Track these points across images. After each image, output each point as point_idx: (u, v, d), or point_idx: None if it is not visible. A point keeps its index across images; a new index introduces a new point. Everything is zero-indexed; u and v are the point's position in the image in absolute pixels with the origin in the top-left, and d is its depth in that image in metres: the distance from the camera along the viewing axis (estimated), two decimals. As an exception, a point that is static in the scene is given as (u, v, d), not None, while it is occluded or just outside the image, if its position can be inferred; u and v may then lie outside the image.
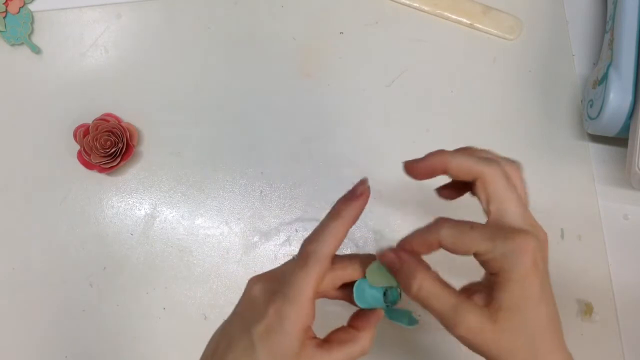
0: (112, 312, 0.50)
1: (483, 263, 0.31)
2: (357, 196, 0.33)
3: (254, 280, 0.34)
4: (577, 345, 0.48)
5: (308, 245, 0.33)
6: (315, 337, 0.34)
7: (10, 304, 0.51)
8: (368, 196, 0.33)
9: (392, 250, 0.33)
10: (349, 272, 0.35)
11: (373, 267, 0.34)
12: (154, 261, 0.51)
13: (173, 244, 0.51)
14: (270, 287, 0.33)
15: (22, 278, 0.51)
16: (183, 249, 0.51)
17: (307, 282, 0.32)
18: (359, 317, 0.35)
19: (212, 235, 0.51)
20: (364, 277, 0.35)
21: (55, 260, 0.51)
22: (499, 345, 0.30)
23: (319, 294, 0.35)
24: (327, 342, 0.34)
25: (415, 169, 0.35)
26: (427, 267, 0.33)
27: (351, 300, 0.36)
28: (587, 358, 0.48)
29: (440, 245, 0.32)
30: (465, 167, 0.33)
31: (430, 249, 0.33)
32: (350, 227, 0.33)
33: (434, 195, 0.51)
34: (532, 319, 0.31)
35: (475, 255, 0.31)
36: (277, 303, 0.32)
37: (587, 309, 0.48)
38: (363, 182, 0.34)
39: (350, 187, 0.34)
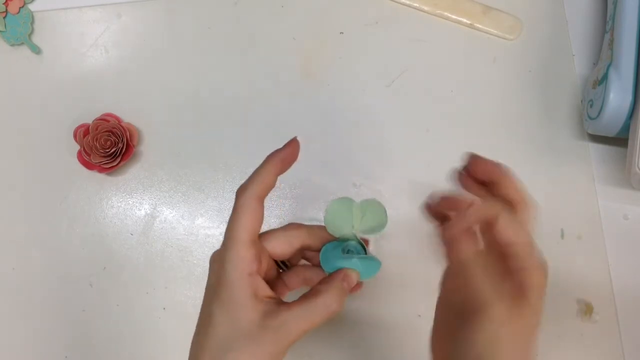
0: (112, 312, 0.50)
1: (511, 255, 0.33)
2: (286, 146, 0.35)
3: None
4: (577, 345, 0.48)
5: (237, 193, 0.34)
6: (279, 299, 0.34)
7: (10, 304, 0.51)
8: (297, 147, 0.35)
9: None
10: (302, 233, 0.36)
11: (332, 208, 0.35)
12: (154, 261, 0.51)
13: (173, 244, 0.51)
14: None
15: (22, 278, 0.51)
16: (183, 249, 0.51)
17: (239, 224, 0.33)
18: (326, 276, 0.35)
19: (212, 235, 0.51)
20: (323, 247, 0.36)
21: (55, 260, 0.51)
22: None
23: (291, 282, 0.37)
24: (291, 302, 0.33)
25: (477, 163, 0.36)
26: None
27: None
28: (587, 358, 0.48)
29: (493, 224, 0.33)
30: (515, 192, 0.36)
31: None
32: (278, 172, 0.35)
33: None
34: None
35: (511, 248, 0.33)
36: (219, 256, 0.33)
37: (587, 309, 0.48)
38: (294, 138, 0.36)
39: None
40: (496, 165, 0.36)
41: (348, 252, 0.36)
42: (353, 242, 0.36)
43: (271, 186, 0.34)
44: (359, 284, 0.36)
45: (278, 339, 0.31)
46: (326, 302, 0.32)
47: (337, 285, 0.33)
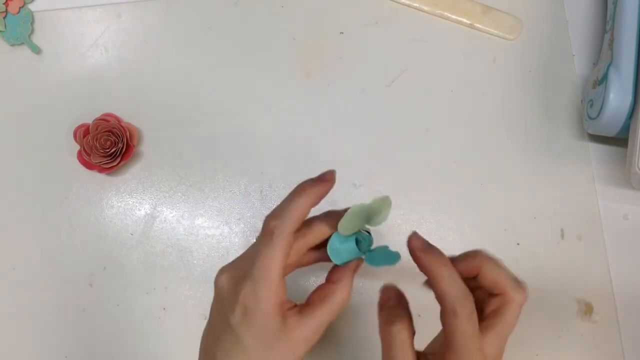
0: (112, 312, 0.50)
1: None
2: (323, 180, 0.35)
3: (219, 272, 0.35)
4: (577, 345, 0.48)
5: (272, 221, 0.33)
6: (295, 306, 0.34)
7: (10, 304, 0.51)
8: (333, 183, 0.35)
9: (394, 288, 0.35)
10: (309, 239, 0.36)
11: (345, 220, 0.35)
12: (154, 261, 0.51)
13: (173, 244, 0.51)
14: (236, 273, 0.34)
15: (22, 278, 0.51)
16: (183, 249, 0.51)
17: (274, 260, 0.32)
18: (336, 270, 0.36)
19: (212, 235, 0.51)
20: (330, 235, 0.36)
21: (55, 260, 0.51)
22: None
23: (288, 268, 0.36)
24: (308, 305, 0.34)
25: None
26: (412, 322, 0.33)
27: (328, 259, 0.36)
28: (587, 358, 0.48)
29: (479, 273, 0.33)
30: (497, 281, 0.33)
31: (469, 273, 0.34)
32: (313, 206, 0.34)
33: (433, 196, 0.51)
34: None
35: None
36: (247, 287, 0.32)
37: (587, 309, 0.48)
38: (331, 171, 0.35)
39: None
40: (467, 259, 0.34)
41: (358, 243, 0.36)
42: (365, 234, 0.36)
43: (304, 218, 0.34)
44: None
45: (307, 344, 0.33)
46: (341, 298, 0.34)
47: (350, 280, 0.34)
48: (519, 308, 0.33)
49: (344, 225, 0.35)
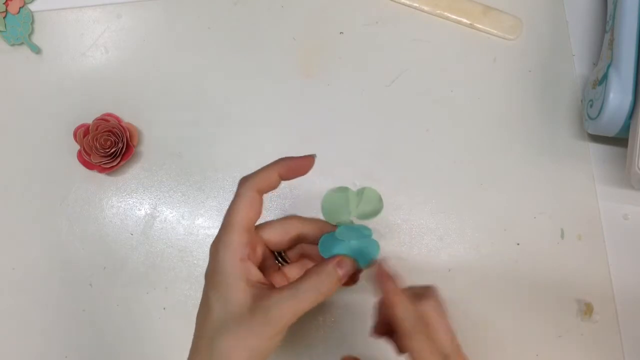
0: (112, 312, 0.50)
1: None
2: (301, 156, 0.35)
3: None
4: (577, 345, 0.48)
5: (239, 182, 0.35)
6: (270, 284, 0.35)
7: (10, 304, 0.51)
8: (308, 163, 0.36)
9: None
10: (298, 223, 0.37)
11: (328, 196, 0.37)
12: (154, 261, 0.51)
13: (173, 244, 0.51)
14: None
15: (22, 278, 0.51)
16: (183, 249, 0.51)
17: (235, 212, 0.34)
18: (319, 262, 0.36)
19: (212, 235, 0.50)
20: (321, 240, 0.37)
21: (55, 260, 0.51)
22: None
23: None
24: (282, 286, 0.34)
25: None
26: None
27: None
28: (587, 358, 0.48)
29: None
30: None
31: None
32: (282, 177, 0.35)
33: (433, 196, 0.51)
34: None
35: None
36: (215, 242, 0.35)
37: (587, 309, 0.48)
38: (312, 154, 0.36)
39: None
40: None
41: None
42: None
43: (272, 185, 0.35)
44: (356, 276, 0.37)
45: (268, 321, 0.32)
46: (315, 285, 0.33)
47: (328, 269, 0.34)
48: (435, 310, 0.34)
49: (323, 205, 0.36)
